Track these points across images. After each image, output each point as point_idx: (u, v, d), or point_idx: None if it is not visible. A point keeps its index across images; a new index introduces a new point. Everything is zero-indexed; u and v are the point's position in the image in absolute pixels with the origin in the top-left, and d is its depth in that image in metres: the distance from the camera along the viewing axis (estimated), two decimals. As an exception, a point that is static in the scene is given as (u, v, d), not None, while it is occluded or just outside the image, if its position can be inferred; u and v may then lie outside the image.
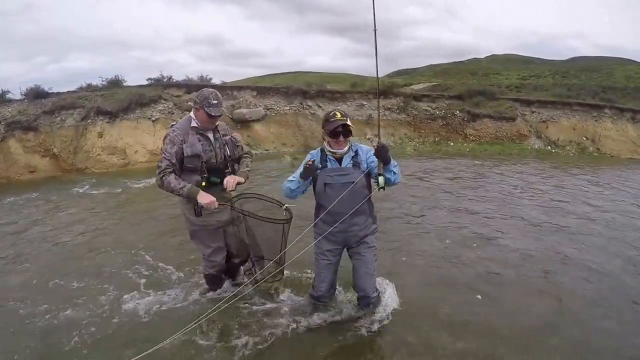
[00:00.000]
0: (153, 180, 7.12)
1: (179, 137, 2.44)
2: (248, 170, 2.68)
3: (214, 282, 2.86)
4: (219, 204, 2.44)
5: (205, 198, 2.41)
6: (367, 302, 2.53)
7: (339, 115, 2.30)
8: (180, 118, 10.15)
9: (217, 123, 2.57)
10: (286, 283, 2.96)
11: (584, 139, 13.29)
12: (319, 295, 2.59)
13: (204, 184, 2.48)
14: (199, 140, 2.49)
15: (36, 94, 10.64)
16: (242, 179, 2.58)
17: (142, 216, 5.18)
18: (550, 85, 17.75)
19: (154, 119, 10.20)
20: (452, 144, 12.39)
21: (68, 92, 11.29)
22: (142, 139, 9.84)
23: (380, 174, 2.22)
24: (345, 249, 2.53)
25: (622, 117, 13.93)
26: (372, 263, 2.48)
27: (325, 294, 2.59)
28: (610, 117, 13.82)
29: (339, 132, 2.29)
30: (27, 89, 10.81)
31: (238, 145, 2.70)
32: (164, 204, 5.40)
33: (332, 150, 2.35)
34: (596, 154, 12.75)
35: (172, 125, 2.58)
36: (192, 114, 2.52)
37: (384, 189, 2.25)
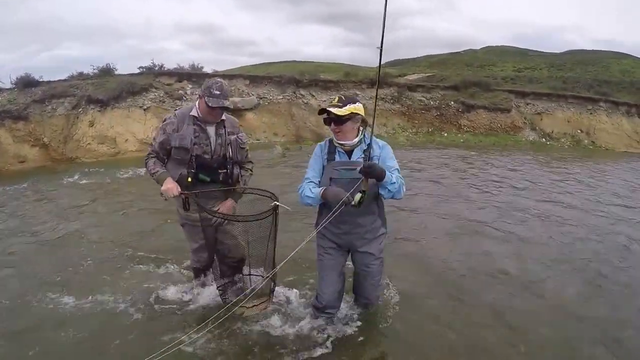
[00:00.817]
0: (142, 171, 7.24)
1: (171, 125, 2.30)
2: (241, 192, 2.44)
3: (198, 274, 2.77)
4: (181, 194, 2.22)
5: (167, 183, 2.24)
6: (368, 306, 2.35)
7: (335, 100, 2.03)
8: (172, 107, 10.27)
9: (222, 117, 2.36)
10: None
11: (579, 131, 13.30)
12: (324, 305, 2.20)
13: (189, 179, 2.28)
14: (195, 132, 2.29)
15: (26, 83, 10.42)
16: (232, 203, 2.40)
17: (128, 207, 5.13)
18: (546, 77, 17.67)
19: (145, 107, 10.10)
20: (445, 134, 12.38)
21: (59, 80, 11.08)
22: (133, 128, 9.74)
23: (362, 190, 1.91)
24: (350, 254, 2.25)
25: (617, 110, 13.93)
26: (379, 274, 2.26)
27: (330, 302, 2.19)
28: (605, 111, 13.81)
29: (328, 120, 2.03)
30: (17, 78, 10.59)
31: (243, 148, 2.45)
32: (154, 194, 5.34)
33: (340, 142, 2.07)
34: (591, 147, 12.77)
35: (176, 110, 2.51)
36: (197, 101, 2.36)
37: (358, 207, 1.92)
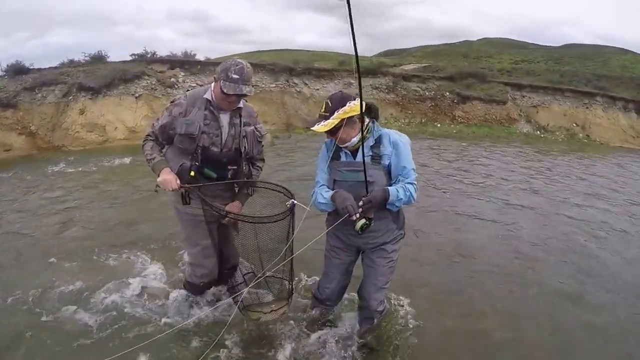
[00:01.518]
0: (128, 160, 7.16)
1: (179, 107, 1.98)
2: (249, 194, 2.12)
3: (197, 291, 2.36)
4: (181, 187, 1.92)
5: (164, 174, 1.93)
6: (369, 315, 2.10)
7: (323, 108, 1.81)
8: (164, 95, 10.16)
9: (239, 105, 2.02)
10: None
11: (574, 125, 13.24)
12: (323, 298, 2.18)
13: (192, 173, 1.96)
14: (205, 119, 1.97)
15: (17, 70, 10.25)
16: (240, 205, 2.09)
17: (112, 197, 5.05)
18: (543, 70, 17.52)
19: (137, 95, 9.99)
20: (439, 125, 12.31)
21: (50, 68, 10.89)
22: (123, 116, 9.62)
23: (364, 217, 1.73)
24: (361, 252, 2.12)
25: (614, 105, 13.84)
26: (384, 275, 2.03)
27: (330, 297, 2.16)
28: (602, 105, 13.73)
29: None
30: (7, 65, 10.46)
31: (260, 142, 2.15)
32: (141, 183, 5.28)
33: (339, 145, 1.86)
34: (585, 141, 12.72)
35: (188, 90, 2.23)
36: (212, 83, 2.02)
37: (362, 232, 1.76)
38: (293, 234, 1.89)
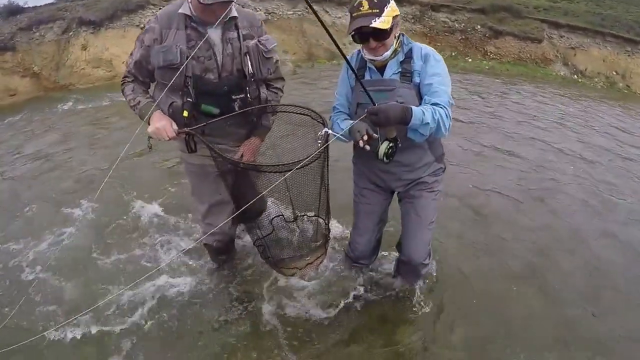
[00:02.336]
0: None
1: (152, 33, 1.56)
2: (269, 127, 1.74)
3: (217, 253, 2.06)
4: (179, 132, 1.53)
5: (156, 120, 1.53)
6: (413, 269, 1.80)
7: (365, 6, 1.42)
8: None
9: (233, 13, 1.55)
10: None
11: (614, 73, 12.15)
12: (356, 256, 1.93)
13: (186, 113, 1.55)
14: (189, 40, 1.53)
15: (10, 11, 9.67)
16: (259, 143, 1.74)
17: (127, 132, 4.68)
18: (583, 12, 15.94)
19: (142, 26, 9.29)
20: (469, 59, 11.45)
21: (46, 4, 10.41)
22: (130, 49, 8.76)
23: (388, 139, 1.44)
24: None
25: (659, 57, 12.58)
26: (427, 209, 1.70)
27: (364, 253, 1.91)
28: (646, 55, 12.48)
29: (364, 35, 1.45)
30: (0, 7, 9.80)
31: (269, 58, 1.63)
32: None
33: (370, 58, 1.53)
34: (626, 91, 11.72)
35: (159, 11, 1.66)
36: None
37: (388, 160, 1.45)
38: (328, 168, 1.56)
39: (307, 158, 1.32)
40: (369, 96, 1.40)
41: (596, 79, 11.85)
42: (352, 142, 1.56)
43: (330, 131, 1.45)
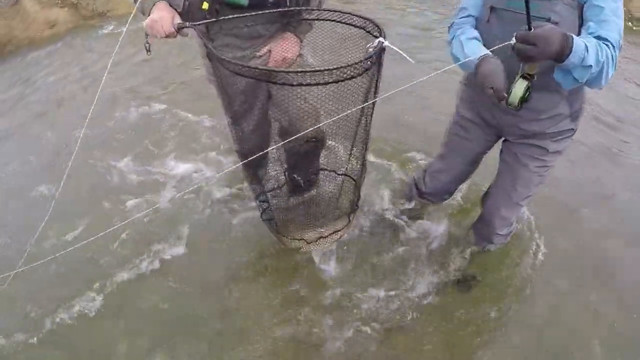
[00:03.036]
0: None
1: None
2: (311, 25, 1.37)
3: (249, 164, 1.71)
4: (180, 27, 1.20)
5: (156, 11, 1.22)
6: (487, 234, 1.59)
7: None
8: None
9: None
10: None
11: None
12: (427, 191, 1.68)
13: (206, 5, 1.24)
14: None
15: None
16: (296, 47, 1.39)
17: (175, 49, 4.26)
18: None
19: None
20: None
21: None
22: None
23: (525, 75, 1.04)
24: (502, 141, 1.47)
25: None
26: (526, 185, 1.42)
27: (438, 190, 1.66)
28: None
29: None
30: None
31: None
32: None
33: None
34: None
35: None
36: None
37: (519, 108, 1.05)
38: (375, 96, 1.12)
39: (345, 67, 0.92)
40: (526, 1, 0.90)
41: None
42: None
43: (386, 42, 1.05)
